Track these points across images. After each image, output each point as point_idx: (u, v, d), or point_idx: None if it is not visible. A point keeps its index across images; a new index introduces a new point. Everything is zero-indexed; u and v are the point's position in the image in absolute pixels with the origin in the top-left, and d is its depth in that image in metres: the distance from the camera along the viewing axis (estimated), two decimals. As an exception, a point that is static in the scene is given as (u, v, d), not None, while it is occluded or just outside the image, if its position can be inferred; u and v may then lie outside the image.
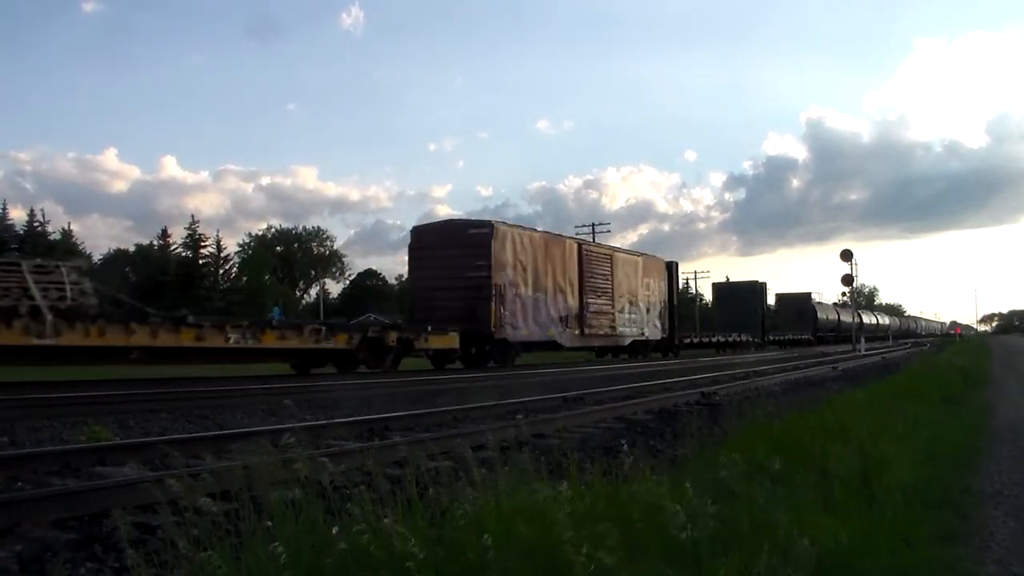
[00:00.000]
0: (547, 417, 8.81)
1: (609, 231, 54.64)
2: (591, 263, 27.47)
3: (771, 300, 65.42)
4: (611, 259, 29.15)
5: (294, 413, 7.64)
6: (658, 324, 32.17)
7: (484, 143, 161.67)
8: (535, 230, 25.55)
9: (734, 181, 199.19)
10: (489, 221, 23.23)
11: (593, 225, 54.15)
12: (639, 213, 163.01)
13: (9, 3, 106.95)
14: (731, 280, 63.61)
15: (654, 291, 31.86)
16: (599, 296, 27.71)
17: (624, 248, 32.97)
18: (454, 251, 22.37)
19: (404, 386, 14.70)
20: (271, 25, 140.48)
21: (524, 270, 23.65)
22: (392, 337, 19.61)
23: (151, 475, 5.14)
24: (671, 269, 34.59)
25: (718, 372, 18.43)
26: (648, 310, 31.32)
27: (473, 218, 23.60)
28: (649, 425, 8.95)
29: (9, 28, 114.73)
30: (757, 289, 51.89)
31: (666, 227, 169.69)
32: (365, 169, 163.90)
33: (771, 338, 50.78)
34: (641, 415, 9.76)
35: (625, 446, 5.26)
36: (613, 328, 28.49)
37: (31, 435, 7.84)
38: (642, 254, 32.61)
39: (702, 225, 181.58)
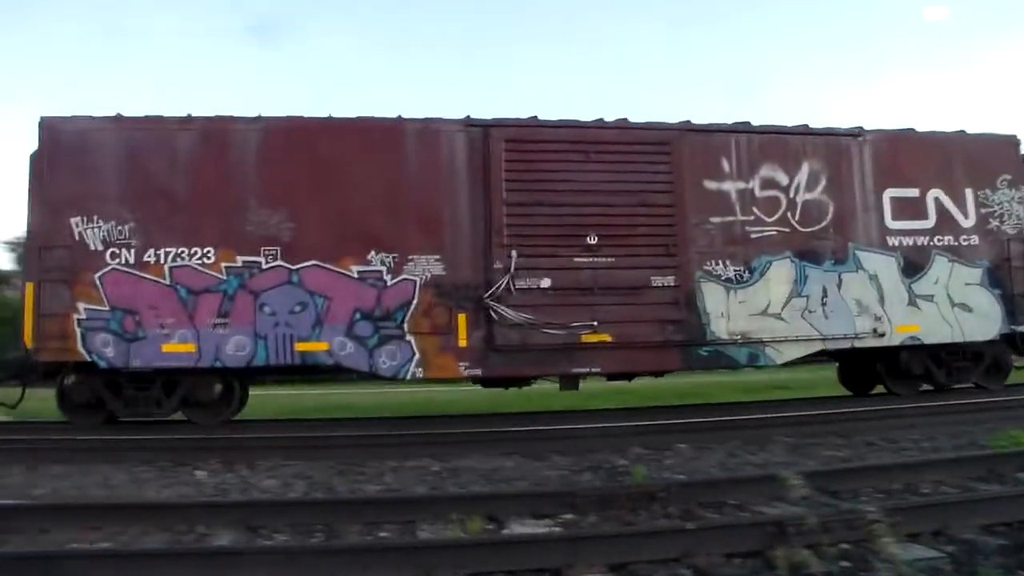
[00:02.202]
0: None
1: None
2: (533, 168, 10.91)
3: None
4: (677, 148, 11.22)
5: None
6: (986, 305, 11.74)
7: None
8: (262, 118, 10.73)
9: None
10: (56, 119, 10.41)
11: None
12: None
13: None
14: None
15: (947, 219, 11.78)
16: (589, 249, 10.85)
17: (771, 126, 11.88)
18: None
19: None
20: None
21: (178, 207, 10.34)
22: None
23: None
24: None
25: None
26: (911, 271, 11.62)
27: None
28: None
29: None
30: None
31: None
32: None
33: None
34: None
35: None
36: (689, 324, 10.95)
37: (951, 440, 8.11)
38: (861, 131, 11.91)
39: None
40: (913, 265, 11.67)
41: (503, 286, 10.67)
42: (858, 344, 11.42)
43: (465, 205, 10.83)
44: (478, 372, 10.75)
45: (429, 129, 10.98)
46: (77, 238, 10.18)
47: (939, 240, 11.79)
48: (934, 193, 11.88)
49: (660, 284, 10.97)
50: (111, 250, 10.20)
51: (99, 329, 10.07)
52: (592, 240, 10.92)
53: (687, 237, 11.12)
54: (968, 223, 11.95)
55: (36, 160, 10.38)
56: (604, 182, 11.05)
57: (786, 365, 11.69)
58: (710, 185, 11.32)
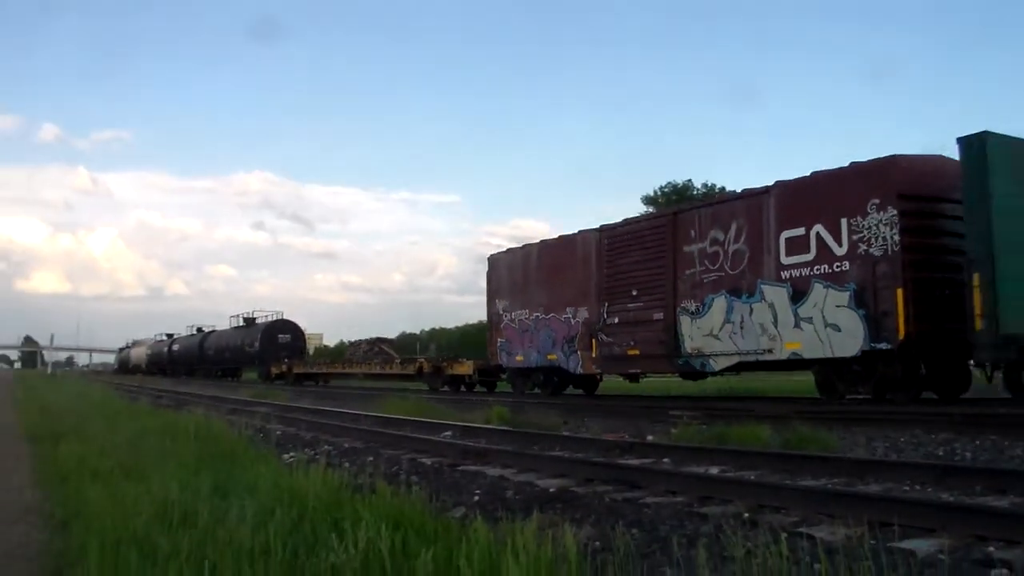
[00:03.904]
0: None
1: None
2: (615, 252, 18.80)
3: None
4: (670, 226, 17.06)
5: None
6: (852, 320, 13.29)
7: None
8: (541, 241, 22.12)
9: None
10: (493, 255, 24.18)
11: None
12: None
13: None
14: None
15: (832, 246, 13.76)
16: (633, 298, 18.14)
17: (737, 192, 16.19)
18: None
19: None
20: None
21: (519, 292, 22.40)
22: (426, 365, 27.94)
23: None
24: (926, 175, 12.97)
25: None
26: (803, 296, 14.10)
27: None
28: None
29: None
30: None
31: None
32: None
33: None
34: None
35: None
36: (673, 344, 16.80)
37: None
38: (787, 183, 14.86)
39: None
40: (799, 292, 14.17)
41: (602, 322, 18.82)
42: (761, 358, 14.86)
43: (595, 278, 19.31)
44: (599, 371, 19.20)
45: (583, 236, 19.84)
46: (502, 310, 23.09)
47: (817, 269, 13.84)
48: (816, 228, 13.91)
49: (657, 318, 17.15)
50: (505, 314, 22.76)
51: (502, 350, 22.78)
52: (634, 293, 17.94)
53: (673, 285, 16.84)
54: (841, 251, 13.48)
55: (490, 274, 23.73)
56: (638, 255, 17.85)
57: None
58: (686, 249, 16.62)
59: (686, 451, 8.26)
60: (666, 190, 57.49)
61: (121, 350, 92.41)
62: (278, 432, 11.54)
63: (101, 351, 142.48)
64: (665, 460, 7.99)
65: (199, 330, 61.50)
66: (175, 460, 7.28)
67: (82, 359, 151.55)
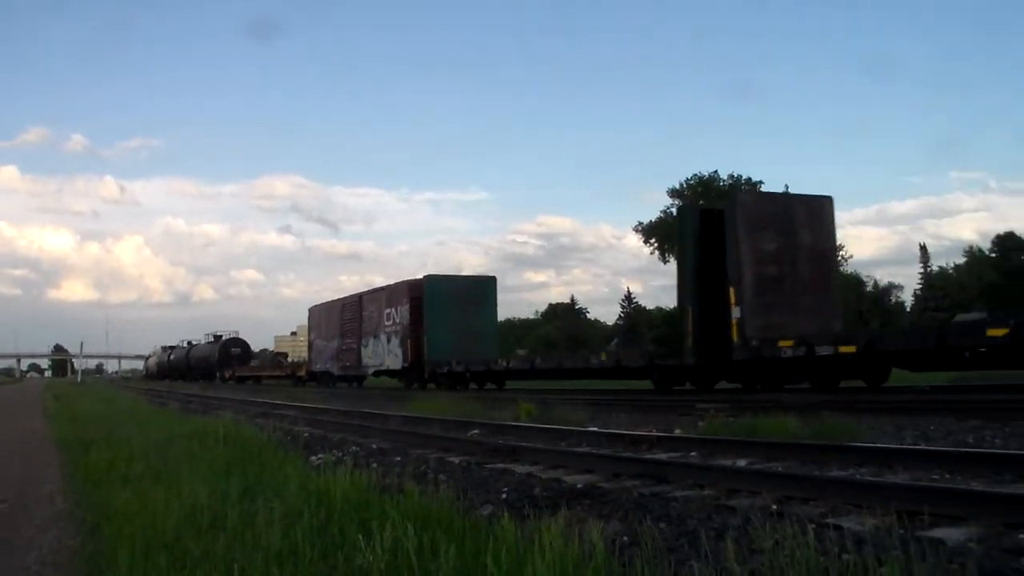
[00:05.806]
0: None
1: None
2: (346, 311, 35.53)
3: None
4: (359, 302, 34.21)
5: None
6: (399, 352, 29.93)
7: None
8: (325, 302, 39.19)
9: None
10: (311, 306, 40.91)
11: None
12: None
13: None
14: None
15: (396, 319, 30.47)
16: (349, 336, 34.88)
17: (380, 286, 33.02)
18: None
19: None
20: None
21: (322, 328, 38.81)
22: (289, 369, 44.08)
23: None
24: (420, 289, 29.38)
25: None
26: (389, 340, 30.78)
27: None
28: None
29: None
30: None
31: None
32: None
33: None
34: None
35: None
36: (359, 361, 33.70)
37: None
38: (390, 285, 32.05)
39: None
40: (389, 338, 30.13)
41: (340, 349, 34.96)
42: (380, 368, 30.93)
43: (339, 325, 35.47)
44: (341, 375, 35.50)
45: (335, 303, 36.28)
46: (313, 339, 39.58)
47: (394, 327, 29.84)
48: (393, 309, 29.94)
49: (354, 348, 33.25)
50: (313, 341, 39.12)
51: (313, 361, 39.09)
52: (349, 336, 34.27)
53: (360, 332, 32.92)
54: (399, 320, 29.49)
55: (309, 318, 39.94)
56: (351, 314, 34.07)
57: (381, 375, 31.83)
58: (364, 314, 32.80)
59: (714, 444, 8.15)
60: (692, 183, 57.49)
61: (146, 359, 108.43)
62: (306, 435, 11.57)
63: (130, 357, 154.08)
64: (693, 454, 7.92)
65: (189, 343, 77.85)
66: (204, 464, 7.37)
67: (112, 366, 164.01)
